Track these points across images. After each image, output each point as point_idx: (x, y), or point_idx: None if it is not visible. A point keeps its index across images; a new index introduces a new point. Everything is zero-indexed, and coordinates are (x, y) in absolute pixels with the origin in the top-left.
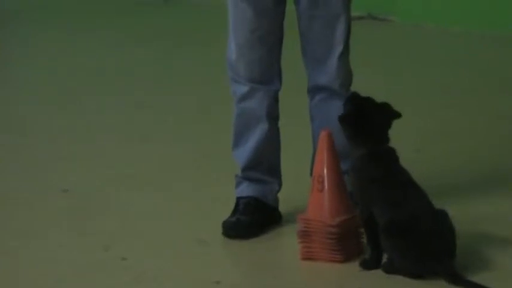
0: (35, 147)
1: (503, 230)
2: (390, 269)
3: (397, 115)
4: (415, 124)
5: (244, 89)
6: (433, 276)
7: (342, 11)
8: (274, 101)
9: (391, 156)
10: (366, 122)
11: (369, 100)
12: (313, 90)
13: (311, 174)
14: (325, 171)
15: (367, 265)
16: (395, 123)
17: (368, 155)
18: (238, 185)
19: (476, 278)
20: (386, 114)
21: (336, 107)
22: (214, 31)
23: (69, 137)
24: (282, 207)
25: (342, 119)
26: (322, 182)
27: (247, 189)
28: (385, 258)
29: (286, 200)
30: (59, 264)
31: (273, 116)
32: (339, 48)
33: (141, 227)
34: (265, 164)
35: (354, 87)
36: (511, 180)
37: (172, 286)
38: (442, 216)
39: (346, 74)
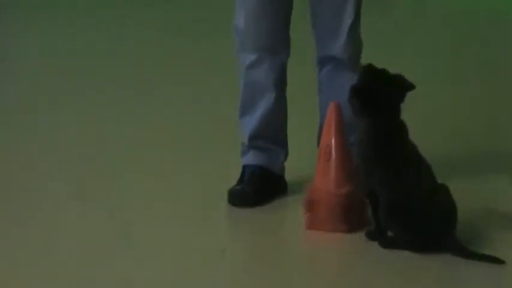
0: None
1: (504, 205)
2: (387, 245)
3: (410, 87)
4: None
5: (251, 57)
6: (435, 249)
7: None
8: (282, 70)
9: (399, 130)
10: (377, 95)
11: (383, 72)
12: (322, 61)
13: (318, 145)
14: (333, 141)
15: (372, 236)
16: None
17: (374, 129)
18: (244, 153)
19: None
20: (399, 87)
21: (344, 78)
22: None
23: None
24: (288, 177)
25: (354, 91)
26: (330, 152)
27: (253, 158)
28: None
29: (292, 169)
30: (63, 230)
31: (280, 85)
32: (349, 20)
33: (144, 192)
34: (271, 133)
35: None
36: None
37: (178, 253)
38: (443, 191)
39: (356, 45)
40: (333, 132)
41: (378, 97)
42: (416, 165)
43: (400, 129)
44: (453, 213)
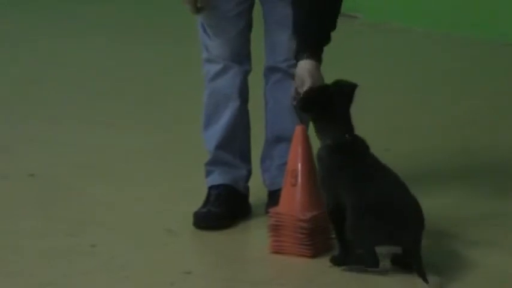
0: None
1: (471, 234)
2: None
3: (354, 86)
4: (381, 122)
5: (217, 67)
6: (396, 272)
7: None
8: (245, 80)
9: (358, 143)
10: (326, 113)
11: (322, 89)
12: (268, 72)
13: (261, 164)
14: (299, 166)
15: (336, 261)
16: (362, 122)
17: (335, 144)
18: (208, 174)
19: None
20: (343, 94)
21: (287, 89)
22: (178, 18)
23: (37, 122)
24: (252, 199)
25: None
26: (296, 176)
27: (218, 177)
28: None
29: (255, 192)
30: (25, 250)
31: (243, 96)
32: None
33: (109, 215)
34: (236, 144)
35: None
36: (480, 180)
37: (143, 275)
38: (413, 201)
39: None
40: (299, 156)
41: (329, 112)
42: (382, 171)
43: (359, 142)
44: (421, 225)
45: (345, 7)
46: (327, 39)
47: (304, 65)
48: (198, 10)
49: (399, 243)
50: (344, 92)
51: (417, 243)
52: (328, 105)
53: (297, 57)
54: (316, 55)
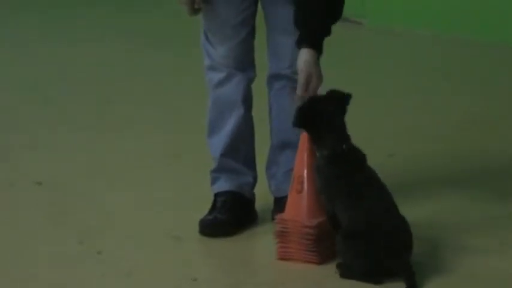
0: (5, 138)
1: (471, 238)
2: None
3: (347, 97)
4: (386, 127)
5: (221, 75)
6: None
7: None
8: (249, 88)
9: (356, 153)
10: (321, 124)
11: (315, 100)
12: (272, 79)
13: (266, 171)
14: (305, 172)
15: (343, 271)
16: (366, 127)
17: (332, 155)
18: (214, 181)
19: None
20: (337, 105)
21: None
22: (177, 19)
23: (40, 128)
24: (258, 206)
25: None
26: (302, 183)
27: (224, 184)
28: None
29: (261, 198)
30: (33, 256)
31: (247, 103)
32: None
33: (115, 221)
34: (241, 151)
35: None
36: (480, 182)
37: (149, 281)
38: (401, 219)
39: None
40: (305, 162)
41: (323, 124)
42: (376, 186)
43: (356, 153)
44: (408, 238)
45: (350, 13)
46: (326, 29)
47: (302, 55)
48: (195, 11)
49: (390, 268)
50: (337, 103)
51: (407, 265)
52: (322, 119)
53: (298, 45)
54: (316, 45)
